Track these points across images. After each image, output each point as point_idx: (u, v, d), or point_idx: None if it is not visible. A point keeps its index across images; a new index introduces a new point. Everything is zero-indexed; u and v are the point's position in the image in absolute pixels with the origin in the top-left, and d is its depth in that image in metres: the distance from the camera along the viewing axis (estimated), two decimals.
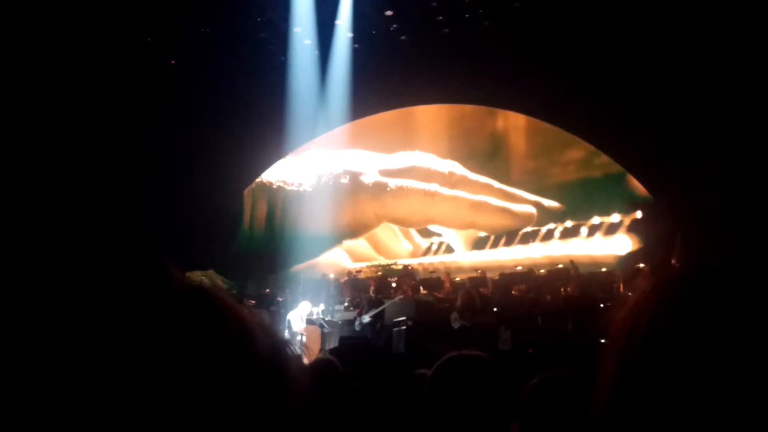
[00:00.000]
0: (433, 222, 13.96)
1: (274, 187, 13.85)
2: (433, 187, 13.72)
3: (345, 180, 13.76)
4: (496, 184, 13.85)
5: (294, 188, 13.81)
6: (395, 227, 14.64)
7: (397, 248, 14.70)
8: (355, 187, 13.71)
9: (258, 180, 13.70)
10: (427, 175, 13.89)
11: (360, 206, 13.68)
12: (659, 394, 0.58)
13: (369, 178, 13.85)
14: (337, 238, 13.72)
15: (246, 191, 13.59)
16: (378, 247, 14.69)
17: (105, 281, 0.63)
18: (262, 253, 13.48)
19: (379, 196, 13.74)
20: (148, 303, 0.63)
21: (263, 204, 13.75)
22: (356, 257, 14.61)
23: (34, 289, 0.62)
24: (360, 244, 14.53)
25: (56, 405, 0.57)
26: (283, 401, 0.65)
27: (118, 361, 0.59)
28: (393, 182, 13.81)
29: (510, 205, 13.55)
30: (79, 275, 0.63)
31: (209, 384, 0.61)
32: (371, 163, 14.01)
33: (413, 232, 14.79)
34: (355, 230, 13.92)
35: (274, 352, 0.67)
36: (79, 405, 0.57)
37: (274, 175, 13.84)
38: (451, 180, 13.84)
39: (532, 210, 13.40)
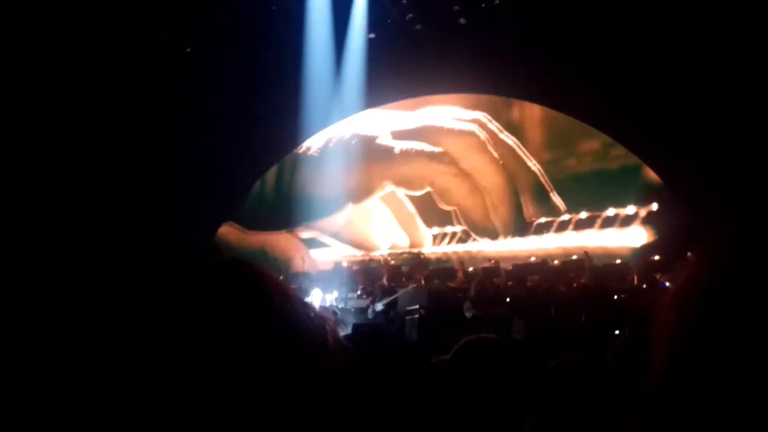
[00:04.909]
0: (431, 187, 13.93)
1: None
2: (443, 151, 13.62)
3: (353, 144, 13.78)
4: (519, 151, 13.65)
5: (302, 151, 13.86)
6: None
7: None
8: (361, 151, 13.73)
9: None
10: (442, 134, 13.77)
11: (364, 170, 13.69)
12: (712, 369, 0.59)
13: (376, 140, 13.83)
14: (342, 202, 13.71)
15: None
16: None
17: (155, 255, 0.66)
18: (272, 211, 13.62)
19: (384, 159, 13.74)
20: (198, 276, 0.65)
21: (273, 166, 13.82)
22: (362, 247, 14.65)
23: (87, 257, 0.65)
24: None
25: (99, 363, 0.60)
26: (320, 368, 0.68)
27: (169, 327, 0.62)
28: (399, 145, 13.76)
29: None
30: (128, 250, 0.66)
31: (254, 347, 0.64)
32: (384, 124, 13.94)
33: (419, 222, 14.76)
34: (360, 194, 13.91)
35: (314, 323, 0.69)
36: (124, 366, 0.60)
37: None
38: (467, 143, 13.69)
39: (500, 236, 13.50)
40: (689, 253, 0.70)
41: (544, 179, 13.63)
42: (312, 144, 13.80)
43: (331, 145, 13.75)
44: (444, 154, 13.61)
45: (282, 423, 0.66)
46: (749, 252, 0.62)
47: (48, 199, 8.42)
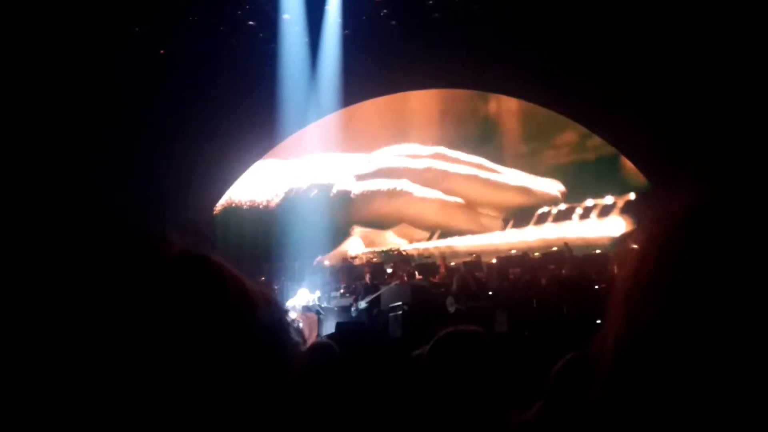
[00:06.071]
0: (404, 221, 14.07)
1: (245, 207, 13.90)
2: (402, 185, 13.80)
3: (312, 193, 13.87)
4: (483, 174, 13.78)
5: (263, 207, 13.88)
6: None
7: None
8: (322, 198, 13.81)
9: (228, 201, 13.72)
10: (399, 174, 14.00)
11: (327, 217, 13.69)
12: (667, 336, 0.57)
13: (334, 188, 13.97)
14: (312, 251, 13.58)
15: (218, 213, 13.51)
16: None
17: (104, 250, 0.62)
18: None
19: (344, 204, 13.87)
20: (147, 268, 0.62)
21: (234, 225, 13.61)
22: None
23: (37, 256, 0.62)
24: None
25: (56, 366, 0.56)
26: (281, 369, 0.65)
27: (118, 323, 0.59)
28: (357, 187, 13.91)
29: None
30: (76, 243, 0.62)
31: (207, 348, 0.60)
32: (340, 170, 14.11)
33: None
34: (331, 239, 13.90)
35: (275, 320, 0.66)
36: (75, 365, 0.57)
37: (244, 195, 13.90)
38: (427, 176, 13.90)
39: (499, 225, 13.55)
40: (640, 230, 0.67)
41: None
42: (272, 198, 13.86)
43: (291, 196, 13.82)
44: (402, 188, 13.76)
45: (239, 428, 0.63)
46: (698, 226, 0.60)
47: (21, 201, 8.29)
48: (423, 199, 13.72)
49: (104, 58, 10.36)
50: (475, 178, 13.79)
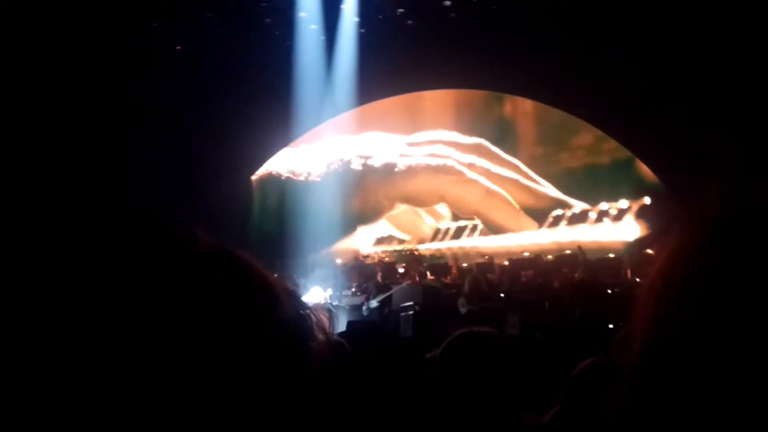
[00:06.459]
0: (444, 201, 13.73)
1: (283, 178, 13.68)
2: (449, 162, 13.44)
3: (354, 165, 13.54)
4: (522, 180, 13.52)
5: (303, 178, 13.62)
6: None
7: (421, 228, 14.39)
8: (364, 171, 13.49)
9: (267, 171, 13.53)
10: (444, 151, 13.61)
11: (370, 190, 13.49)
12: (695, 341, 0.56)
13: (377, 160, 13.61)
14: (351, 225, 13.47)
15: (255, 182, 13.42)
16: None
17: (136, 244, 0.63)
18: (272, 243, 13.23)
19: (388, 177, 13.51)
20: (176, 264, 0.62)
21: (273, 196, 13.56)
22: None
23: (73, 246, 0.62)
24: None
25: (83, 354, 0.57)
26: (303, 364, 0.65)
27: (146, 317, 0.59)
28: (403, 161, 13.57)
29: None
30: (111, 236, 0.63)
31: (233, 341, 0.61)
32: (385, 146, 13.75)
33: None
34: (368, 215, 13.70)
35: (298, 315, 0.67)
36: (107, 353, 0.57)
37: (283, 165, 13.67)
38: (470, 167, 13.56)
39: (535, 226, 13.23)
40: (669, 234, 0.66)
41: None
42: (312, 170, 13.59)
43: (332, 168, 13.53)
44: (451, 165, 13.40)
45: (263, 422, 0.63)
46: (732, 230, 0.59)
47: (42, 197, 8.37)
48: (470, 182, 13.36)
49: (128, 56, 10.45)
50: (516, 182, 13.51)
